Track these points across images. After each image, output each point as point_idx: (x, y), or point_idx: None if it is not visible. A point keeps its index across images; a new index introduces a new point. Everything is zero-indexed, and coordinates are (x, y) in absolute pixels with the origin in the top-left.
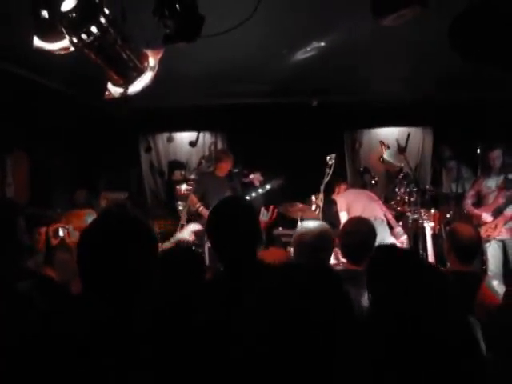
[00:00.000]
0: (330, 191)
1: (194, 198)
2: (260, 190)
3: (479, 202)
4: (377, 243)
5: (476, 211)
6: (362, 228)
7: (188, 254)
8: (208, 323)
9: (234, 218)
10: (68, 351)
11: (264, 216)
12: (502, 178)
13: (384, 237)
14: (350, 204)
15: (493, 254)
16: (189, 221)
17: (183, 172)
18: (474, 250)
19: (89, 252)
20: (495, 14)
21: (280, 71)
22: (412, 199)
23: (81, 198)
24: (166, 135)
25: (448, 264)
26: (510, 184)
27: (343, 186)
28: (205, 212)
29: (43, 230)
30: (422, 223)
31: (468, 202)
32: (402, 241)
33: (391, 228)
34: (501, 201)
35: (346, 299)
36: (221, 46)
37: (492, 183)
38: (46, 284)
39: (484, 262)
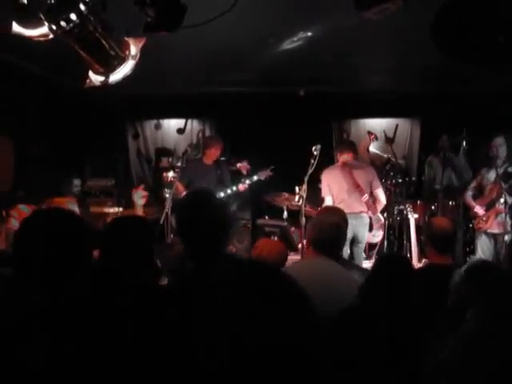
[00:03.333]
0: (315, 181)
1: (179, 185)
2: (247, 181)
3: (480, 193)
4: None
5: (471, 203)
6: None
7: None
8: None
9: (210, 211)
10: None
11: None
12: (502, 170)
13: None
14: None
15: (483, 247)
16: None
17: (170, 159)
18: (448, 240)
19: (24, 245)
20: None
21: (268, 60)
22: (398, 190)
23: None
24: (153, 122)
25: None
26: (508, 178)
27: None
28: None
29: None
30: (407, 214)
31: (469, 193)
32: (381, 224)
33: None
34: (495, 194)
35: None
36: (209, 34)
37: (492, 175)
38: None
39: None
